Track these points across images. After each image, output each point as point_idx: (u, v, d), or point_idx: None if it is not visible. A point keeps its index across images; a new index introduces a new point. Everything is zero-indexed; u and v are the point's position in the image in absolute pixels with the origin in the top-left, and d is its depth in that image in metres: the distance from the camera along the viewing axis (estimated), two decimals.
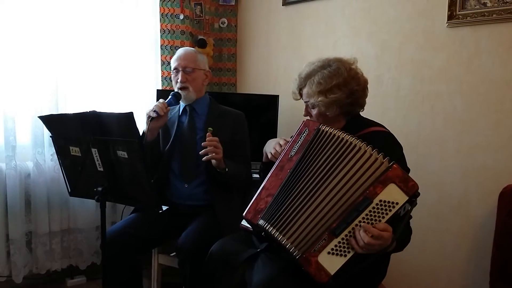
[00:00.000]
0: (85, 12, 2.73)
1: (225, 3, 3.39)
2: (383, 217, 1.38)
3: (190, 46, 3.14)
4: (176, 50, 3.06)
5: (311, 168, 1.50)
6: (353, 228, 1.39)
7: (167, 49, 3.09)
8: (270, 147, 1.74)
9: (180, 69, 2.25)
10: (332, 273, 1.36)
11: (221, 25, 3.42)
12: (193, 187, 2.25)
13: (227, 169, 2.09)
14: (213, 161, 2.05)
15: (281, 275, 1.49)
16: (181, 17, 3.11)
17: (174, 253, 2.23)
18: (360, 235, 1.36)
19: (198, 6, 3.25)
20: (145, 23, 3.04)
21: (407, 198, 1.38)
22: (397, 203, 1.38)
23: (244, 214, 1.57)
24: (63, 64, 2.64)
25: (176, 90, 2.26)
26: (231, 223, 2.11)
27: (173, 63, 2.29)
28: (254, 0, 3.33)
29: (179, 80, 2.24)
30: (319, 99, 1.63)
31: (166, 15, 3.09)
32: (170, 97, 2.19)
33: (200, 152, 2.02)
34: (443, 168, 2.35)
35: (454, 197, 2.32)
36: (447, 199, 2.34)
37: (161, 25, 3.08)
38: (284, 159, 1.59)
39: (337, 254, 1.38)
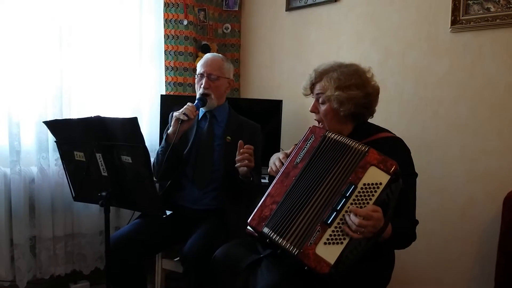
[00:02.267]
0: (89, 17, 2.74)
1: (228, 9, 3.41)
2: (370, 199, 1.41)
3: (193, 52, 3.16)
4: (180, 55, 3.11)
5: (315, 175, 1.51)
6: (343, 215, 1.40)
7: (171, 55, 3.11)
8: (272, 162, 1.75)
9: (205, 75, 2.24)
10: (332, 262, 1.36)
11: (225, 31, 3.44)
12: (204, 193, 2.25)
13: (252, 178, 2.07)
14: (243, 169, 2.02)
15: (285, 281, 1.49)
16: (185, 22, 3.13)
17: (178, 258, 2.23)
18: (351, 219, 1.37)
19: (202, 12, 3.26)
20: (149, 29, 3.06)
21: (389, 177, 1.41)
22: (380, 183, 1.41)
23: (248, 221, 1.58)
24: (67, 69, 2.65)
25: (198, 95, 2.26)
26: (239, 229, 2.11)
27: (199, 68, 2.28)
28: (257, 6, 3.35)
29: (202, 86, 2.23)
30: (336, 93, 1.62)
31: (170, 21, 3.10)
32: (196, 101, 2.20)
33: (236, 159, 2.01)
34: (447, 174, 2.34)
35: (458, 202, 2.31)
36: (452, 205, 2.33)
37: (165, 31, 3.10)
38: (290, 166, 1.59)
39: (333, 243, 1.39)
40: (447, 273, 2.37)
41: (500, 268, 2.01)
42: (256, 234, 1.63)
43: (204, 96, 2.23)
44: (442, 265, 2.39)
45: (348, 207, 1.40)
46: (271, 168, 1.72)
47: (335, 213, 1.41)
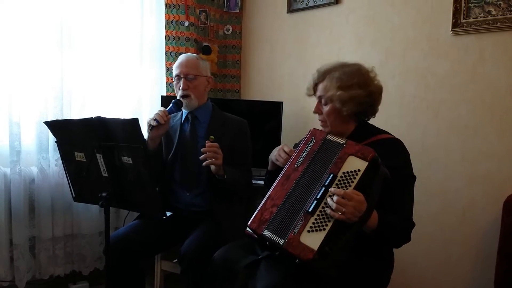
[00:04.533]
0: (90, 17, 2.74)
1: (230, 10, 3.41)
2: (350, 185, 1.44)
3: (195, 53, 3.16)
4: None
5: (313, 177, 1.51)
6: (325, 203, 1.43)
7: (172, 56, 3.11)
8: (275, 155, 1.74)
9: (182, 76, 2.23)
10: (315, 248, 1.37)
11: (226, 32, 3.44)
12: (194, 196, 2.25)
13: (225, 176, 2.07)
14: (212, 167, 2.03)
15: (284, 281, 1.49)
16: (186, 24, 3.13)
17: (177, 260, 2.23)
18: (333, 199, 1.40)
19: (203, 13, 3.27)
20: (150, 30, 3.06)
21: (367, 163, 1.44)
22: (359, 170, 1.45)
23: (248, 223, 1.58)
24: (68, 69, 2.65)
25: (178, 97, 2.25)
26: (234, 229, 2.11)
27: (175, 70, 2.27)
28: (258, 7, 3.35)
29: (181, 88, 2.22)
30: (338, 93, 1.63)
31: (171, 22, 3.10)
32: (171, 104, 2.18)
33: (200, 157, 2.00)
34: (447, 176, 2.34)
35: (458, 205, 2.31)
36: (452, 207, 2.33)
37: (166, 32, 3.10)
38: (290, 169, 1.59)
39: (316, 230, 1.41)
40: (446, 276, 2.36)
41: (500, 272, 2.01)
42: (256, 236, 1.63)
43: (183, 98, 2.22)
44: (441, 268, 2.38)
45: (329, 195, 1.42)
46: (278, 161, 1.72)
47: (316, 201, 1.44)
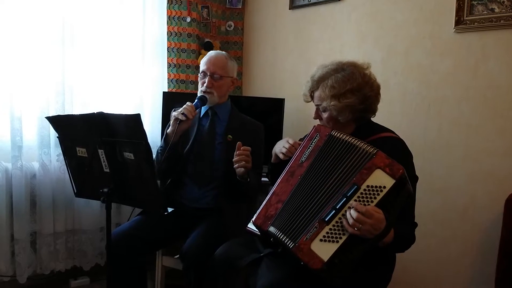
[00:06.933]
0: (92, 13, 2.73)
1: (232, 6, 3.40)
2: (372, 201, 1.39)
3: (196, 49, 3.16)
4: (183, 52, 3.11)
5: (321, 174, 1.50)
6: (343, 214, 1.39)
7: (174, 52, 3.10)
8: (279, 147, 1.74)
9: (208, 74, 2.21)
10: (325, 259, 1.36)
11: (228, 28, 3.43)
12: (204, 191, 2.25)
13: (248, 179, 2.06)
14: (240, 170, 2.01)
15: (286, 279, 1.49)
16: (188, 19, 3.12)
17: (178, 255, 2.23)
18: (351, 213, 1.36)
19: (205, 9, 3.26)
20: (152, 26, 3.06)
21: (394, 181, 1.38)
22: (384, 187, 1.38)
23: (253, 219, 1.58)
24: (70, 65, 2.65)
25: (199, 92, 2.23)
26: (237, 228, 2.11)
27: (202, 66, 2.24)
28: (261, 4, 3.34)
29: (205, 85, 2.20)
30: (332, 103, 1.61)
31: (173, 18, 3.10)
32: (196, 100, 2.17)
33: (233, 160, 1.99)
34: (449, 174, 2.34)
35: (459, 202, 2.31)
36: (453, 205, 2.33)
37: (168, 28, 3.09)
38: (295, 165, 1.59)
39: (329, 241, 1.39)
40: (447, 274, 2.37)
41: (500, 270, 2.01)
42: (258, 233, 1.63)
43: (205, 94, 2.21)
44: (442, 266, 2.39)
45: (349, 207, 1.38)
46: (282, 153, 1.71)
47: (334, 211, 1.41)
